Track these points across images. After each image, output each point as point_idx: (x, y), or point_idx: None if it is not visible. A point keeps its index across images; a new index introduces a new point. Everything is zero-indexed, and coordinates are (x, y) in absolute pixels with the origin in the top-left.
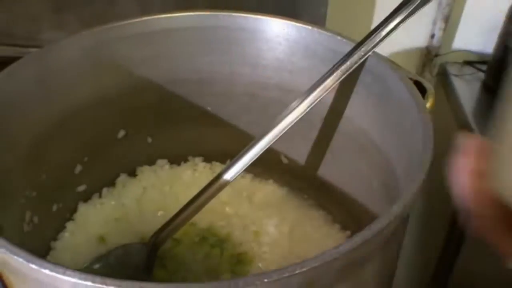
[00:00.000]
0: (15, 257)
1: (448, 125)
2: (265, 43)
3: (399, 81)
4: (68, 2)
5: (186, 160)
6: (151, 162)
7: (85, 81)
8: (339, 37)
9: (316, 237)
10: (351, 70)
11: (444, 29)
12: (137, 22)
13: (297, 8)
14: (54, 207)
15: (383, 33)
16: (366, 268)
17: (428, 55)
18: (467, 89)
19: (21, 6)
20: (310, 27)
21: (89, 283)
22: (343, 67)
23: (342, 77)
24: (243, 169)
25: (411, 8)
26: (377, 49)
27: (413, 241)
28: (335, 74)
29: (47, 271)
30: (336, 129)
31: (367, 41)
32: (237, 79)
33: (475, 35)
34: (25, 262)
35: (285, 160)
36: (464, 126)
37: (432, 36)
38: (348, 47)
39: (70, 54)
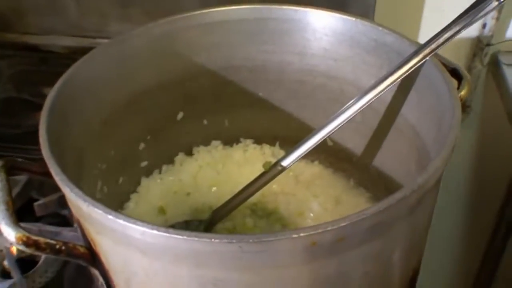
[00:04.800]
0: (96, 209)
1: (498, 115)
2: (312, 34)
3: (435, 70)
4: None
5: (238, 142)
6: (206, 142)
7: (150, 68)
8: (380, 28)
9: None
10: (410, 71)
11: (497, 18)
12: (197, 14)
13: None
14: (120, 180)
15: (447, 35)
16: (393, 231)
17: (479, 45)
18: None
19: (91, 1)
20: (354, 19)
21: (154, 232)
22: (404, 68)
23: (402, 77)
24: (299, 157)
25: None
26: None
27: (460, 233)
28: (396, 74)
29: (121, 221)
30: (379, 115)
31: (430, 43)
32: (286, 67)
33: None
34: (104, 213)
35: (330, 143)
36: None
37: (484, 25)
38: (389, 37)
39: (139, 43)
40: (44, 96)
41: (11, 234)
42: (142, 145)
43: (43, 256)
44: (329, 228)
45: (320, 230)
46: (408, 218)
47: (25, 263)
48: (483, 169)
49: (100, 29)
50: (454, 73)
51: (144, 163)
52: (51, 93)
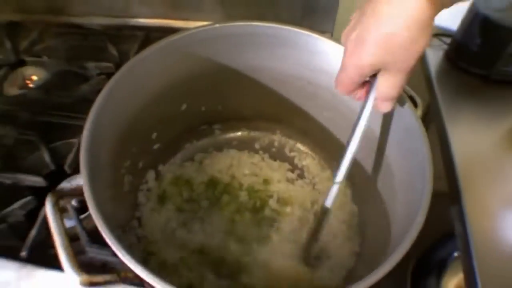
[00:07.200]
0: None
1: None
2: (291, 49)
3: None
4: None
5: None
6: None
7: (164, 76)
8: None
9: None
10: None
11: None
12: (205, 29)
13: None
14: (140, 164)
15: None
16: None
17: None
18: (433, 57)
19: None
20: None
21: None
22: None
23: None
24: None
25: None
26: None
27: None
28: None
29: None
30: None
31: None
32: (266, 70)
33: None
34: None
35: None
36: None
37: None
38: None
39: (160, 60)
40: (86, 69)
41: (76, 279)
42: (154, 134)
43: None
44: None
45: None
46: None
47: None
48: None
49: (125, 11)
50: (412, 99)
51: (156, 145)
52: (89, 120)
